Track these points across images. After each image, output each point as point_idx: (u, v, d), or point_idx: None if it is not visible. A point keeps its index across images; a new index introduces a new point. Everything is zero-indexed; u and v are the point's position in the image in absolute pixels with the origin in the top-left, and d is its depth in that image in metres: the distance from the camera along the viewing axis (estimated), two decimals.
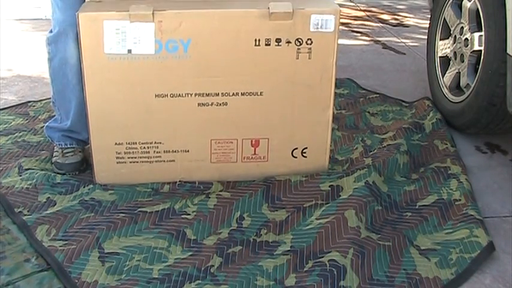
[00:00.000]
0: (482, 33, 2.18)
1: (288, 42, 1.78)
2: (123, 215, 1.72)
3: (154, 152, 1.87)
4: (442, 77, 2.56)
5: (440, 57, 2.61)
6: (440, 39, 2.61)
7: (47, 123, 2.08)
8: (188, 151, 1.88)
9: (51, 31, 1.90)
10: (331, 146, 2.01)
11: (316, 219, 1.72)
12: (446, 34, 2.57)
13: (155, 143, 1.86)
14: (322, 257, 1.57)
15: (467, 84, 2.33)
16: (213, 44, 1.76)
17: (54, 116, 2.06)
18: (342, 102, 2.63)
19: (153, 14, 1.70)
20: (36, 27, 3.55)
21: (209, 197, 1.82)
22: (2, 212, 1.75)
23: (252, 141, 1.91)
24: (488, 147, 2.32)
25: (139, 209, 1.75)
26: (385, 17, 4.35)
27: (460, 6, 2.44)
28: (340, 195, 1.82)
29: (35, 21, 3.70)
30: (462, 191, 1.90)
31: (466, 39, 2.34)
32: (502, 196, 1.98)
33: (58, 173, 1.94)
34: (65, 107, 1.98)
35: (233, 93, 1.83)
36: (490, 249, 1.65)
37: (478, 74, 2.19)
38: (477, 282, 1.56)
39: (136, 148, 1.85)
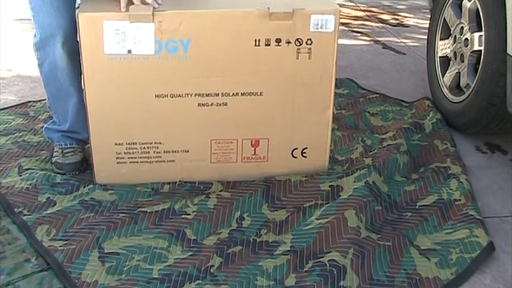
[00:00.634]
0: (482, 33, 2.18)
1: (288, 42, 1.78)
2: (123, 215, 1.72)
3: (154, 152, 1.87)
4: (442, 77, 2.56)
5: (440, 57, 2.61)
6: (440, 39, 2.61)
7: (46, 125, 2.07)
8: (188, 151, 1.88)
9: (35, 35, 1.86)
10: (331, 146, 2.01)
11: (316, 219, 1.72)
12: (446, 34, 2.57)
13: (155, 143, 1.86)
14: (322, 257, 1.57)
15: (467, 84, 2.33)
16: (212, 44, 1.76)
17: (53, 117, 2.06)
18: (342, 102, 2.63)
19: (153, 14, 1.70)
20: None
21: (209, 197, 1.82)
22: (2, 212, 1.75)
23: (252, 141, 1.91)
24: (488, 147, 2.32)
25: (139, 209, 1.75)
26: (385, 17, 4.35)
27: (460, 6, 2.44)
28: (340, 195, 1.82)
29: None
30: (462, 191, 1.90)
31: (466, 39, 2.34)
32: (502, 196, 1.98)
33: (58, 173, 1.94)
34: (62, 110, 1.97)
35: (233, 93, 1.83)
36: (490, 249, 1.65)
37: (478, 74, 2.19)
38: (477, 282, 1.56)
39: (136, 148, 1.85)
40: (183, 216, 1.73)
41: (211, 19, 1.75)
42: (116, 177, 1.88)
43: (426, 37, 2.75)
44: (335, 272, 1.51)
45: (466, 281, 1.56)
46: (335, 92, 1.91)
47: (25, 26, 3.65)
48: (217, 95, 1.82)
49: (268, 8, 1.74)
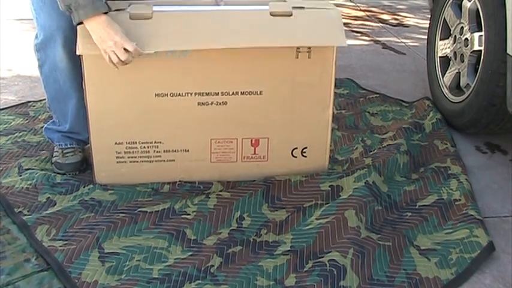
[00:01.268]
0: (482, 33, 2.18)
1: None
2: (123, 215, 1.73)
3: (154, 151, 1.87)
4: (442, 77, 2.56)
5: (440, 57, 2.61)
6: (440, 39, 2.61)
7: (46, 125, 2.07)
8: (188, 150, 1.88)
9: (36, 36, 1.86)
10: (331, 146, 2.01)
11: (316, 219, 1.72)
12: (446, 34, 2.57)
13: (155, 142, 1.86)
14: (322, 257, 1.57)
15: (467, 84, 2.33)
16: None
17: (53, 118, 2.06)
18: (342, 102, 2.63)
19: (152, 13, 1.70)
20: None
21: (209, 197, 1.82)
22: (2, 212, 1.75)
23: (251, 140, 1.91)
24: (488, 147, 2.32)
25: (139, 209, 1.75)
26: (385, 17, 4.35)
27: (460, 6, 2.44)
28: (340, 195, 1.82)
29: None
30: (462, 191, 1.90)
31: (466, 39, 2.34)
32: (502, 196, 1.98)
33: (58, 173, 1.94)
34: (62, 111, 1.97)
35: (233, 92, 1.83)
36: (490, 249, 1.65)
37: (478, 74, 2.20)
38: (477, 282, 1.56)
39: (136, 148, 1.85)
40: (183, 216, 1.73)
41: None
42: (116, 177, 1.88)
43: (426, 37, 2.75)
44: (335, 272, 1.51)
45: (466, 281, 1.56)
46: (335, 92, 1.91)
47: (25, 26, 3.65)
48: (217, 94, 1.82)
49: (268, 8, 1.74)
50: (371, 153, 2.13)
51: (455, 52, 2.46)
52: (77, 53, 1.68)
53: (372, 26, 4.08)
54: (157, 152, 1.87)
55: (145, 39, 1.67)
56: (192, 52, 1.75)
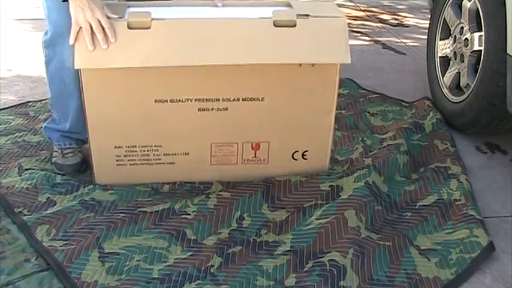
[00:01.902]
0: (482, 33, 2.18)
1: None
2: (123, 215, 1.72)
3: (154, 154, 1.86)
4: (442, 77, 2.56)
5: (440, 57, 2.61)
6: (440, 39, 2.61)
7: (45, 124, 2.07)
8: (188, 154, 1.88)
9: (46, 33, 1.86)
10: (331, 147, 2.01)
11: (316, 219, 1.72)
12: (446, 34, 2.57)
13: (155, 146, 1.85)
14: (322, 257, 1.57)
15: (467, 84, 2.33)
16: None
17: (52, 115, 2.05)
18: (342, 102, 2.63)
19: (151, 22, 1.67)
20: (36, 27, 3.55)
21: (209, 197, 1.82)
22: (2, 212, 1.75)
23: (252, 144, 1.90)
24: (488, 147, 2.32)
25: (139, 209, 1.75)
26: (385, 17, 4.35)
27: (460, 6, 2.44)
28: (340, 195, 1.82)
29: (35, 21, 3.69)
30: (462, 191, 1.90)
31: (466, 39, 2.34)
32: (502, 196, 1.98)
33: (58, 173, 1.94)
34: (63, 110, 1.96)
35: (234, 98, 1.81)
36: (490, 249, 1.65)
37: (478, 74, 2.19)
38: (477, 282, 1.56)
39: (135, 151, 1.85)
40: (183, 216, 1.73)
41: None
42: (115, 178, 1.87)
43: (426, 37, 2.75)
44: (335, 272, 1.51)
45: (466, 281, 1.56)
46: None
47: (25, 26, 3.65)
48: (218, 100, 1.80)
49: (272, 15, 1.72)
50: (371, 153, 2.13)
51: (455, 52, 2.46)
52: (75, 67, 1.67)
53: (372, 26, 4.08)
54: (157, 155, 1.86)
55: (144, 53, 1.66)
56: None
